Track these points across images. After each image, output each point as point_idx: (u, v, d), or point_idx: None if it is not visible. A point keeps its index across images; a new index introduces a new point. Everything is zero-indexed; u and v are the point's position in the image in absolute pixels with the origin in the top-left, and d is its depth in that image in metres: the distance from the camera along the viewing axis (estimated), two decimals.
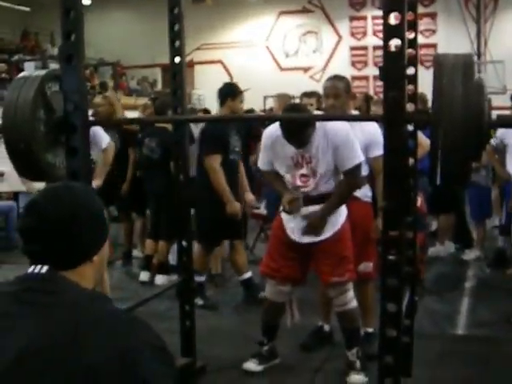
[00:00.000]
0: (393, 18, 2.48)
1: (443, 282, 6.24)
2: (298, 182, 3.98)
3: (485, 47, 19.00)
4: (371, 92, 16.68)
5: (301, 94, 5.99)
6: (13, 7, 22.09)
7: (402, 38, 2.46)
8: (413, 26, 3.37)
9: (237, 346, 4.58)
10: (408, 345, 3.60)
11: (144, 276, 6.46)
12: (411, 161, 3.40)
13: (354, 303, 4.07)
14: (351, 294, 4.06)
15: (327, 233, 3.99)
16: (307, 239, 4.01)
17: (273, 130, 4.03)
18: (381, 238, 2.85)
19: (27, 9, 22.70)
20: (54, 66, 15.62)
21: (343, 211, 4.07)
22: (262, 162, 4.20)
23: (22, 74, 2.73)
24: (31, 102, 2.57)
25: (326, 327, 4.72)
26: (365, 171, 4.23)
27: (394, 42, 2.47)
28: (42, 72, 2.73)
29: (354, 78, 18.96)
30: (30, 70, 15.59)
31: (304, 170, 3.94)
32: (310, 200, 4.01)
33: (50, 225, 1.61)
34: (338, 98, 4.24)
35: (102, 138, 5.39)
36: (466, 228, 7.45)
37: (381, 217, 4.09)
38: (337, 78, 4.40)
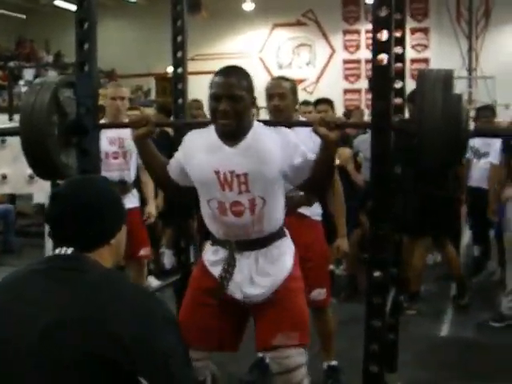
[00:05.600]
0: (381, 35, 2.70)
1: (429, 288, 6.43)
2: (229, 214, 2.64)
3: (476, 63, 19.26)
4: (363, 105, 16.90)
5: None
6: (8, 14, 22.30)
7: (389, 53, 2.68)
8: (401, 42, 3.60)
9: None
10: (393, 342, 3.76)
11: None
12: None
13: None
14: (303, 371, 2.75)
15: (274, 282, 2.73)
16: (247, 295, 2.74)
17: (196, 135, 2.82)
18: (368, 256, 2.98)
19: (23, 16, 22.91)
20: (50, 73, 15.87)
21: (291, 251, 2.83)
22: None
23: (37, 80, 2.96)
24: (47, 105, 2.78)
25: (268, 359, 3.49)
26: None
27: (382, 57, 2.69)
28: (57, 78, 2.95)
29: (347, 90, 19.27)
30: (29, 76, 15.79)
31: (235, 195, 2.62)
32: (248, 242, 2.71)
33: (73, 211, 1.79)
34: (284, 99, 3.63)
35: None
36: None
37: (340, 237, 3.98)
38: (282, 78, 3.85)
